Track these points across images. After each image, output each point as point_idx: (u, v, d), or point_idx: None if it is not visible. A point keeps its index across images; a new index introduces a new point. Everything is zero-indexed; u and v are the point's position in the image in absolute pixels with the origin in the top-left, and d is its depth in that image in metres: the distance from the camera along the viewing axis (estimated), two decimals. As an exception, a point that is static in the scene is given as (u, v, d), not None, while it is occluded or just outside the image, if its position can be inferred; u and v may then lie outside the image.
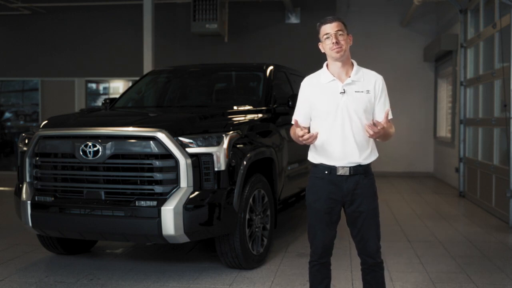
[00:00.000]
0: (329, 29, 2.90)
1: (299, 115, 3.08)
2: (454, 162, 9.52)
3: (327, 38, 2.91)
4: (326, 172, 2.96)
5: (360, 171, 2.95)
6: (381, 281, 3.08)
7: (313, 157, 3.05)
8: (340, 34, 2.89)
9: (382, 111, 2.97)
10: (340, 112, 2.91)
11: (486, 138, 7.75)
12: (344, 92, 2.92)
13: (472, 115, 8.49)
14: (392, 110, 3.03)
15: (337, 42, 2.87)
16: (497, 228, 6.28)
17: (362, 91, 2.94)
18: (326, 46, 2.93)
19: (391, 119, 2.99)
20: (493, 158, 7.17)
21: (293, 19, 11.43)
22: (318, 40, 3.00)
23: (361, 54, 12.27)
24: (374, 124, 2.86)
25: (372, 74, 3.03)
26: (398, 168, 11.98)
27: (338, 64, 2.96)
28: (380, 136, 2.85)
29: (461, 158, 8.80)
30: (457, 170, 8.97)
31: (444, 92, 11.54)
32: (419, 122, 12.08)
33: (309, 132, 2.93)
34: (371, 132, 2.79)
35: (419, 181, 11.08)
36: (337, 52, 2.89)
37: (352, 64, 3.01)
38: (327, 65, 3.03)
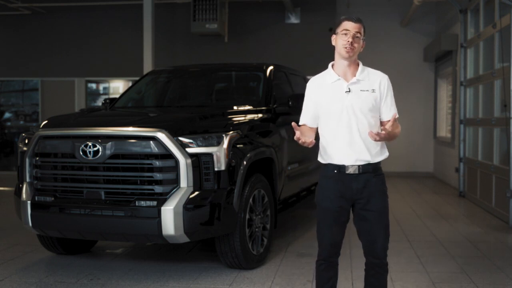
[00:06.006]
0: (349, 26, 2.90)
1: (306, 117, 3.08)
2: (454, 162, 9.51)
3: (344, 34, 2.90)
4: (335, 171, 2.95)
5: (369, 170, 2.93)
6: (383, 284, 3.05)
7: (322, 157, 3.05)
8: (357, 36, 2.90)
9: (388, 110, 2.99)
10: (345, 111, 2.91)
11: (486, 138, 7.75)
12: (349, 91, 2.93)
13: (472, 115, 8.49)
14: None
15: (352, 43, 2.87)
16: (497, 228, 6.28)
17: (368, 90, 2.94)
18: (340, 41, 2.92)
19: (397, 118, 2.99)
20: (493, 158, 7.16)
21: (293, 19, 11.42)
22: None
23: (361, 54, 12.33)
24: (381, 125, 2.86)
25: (377, 73, 3.04)
26: (398, 168, 11.97)
27: (345, 63, 2.96)
28: (385, 138, 2.85)
29: (461, 158, 8.79)
30: (457, 170, 8.97)
31: (444, 92, 11.53)
32: (419, 122, 12.08)
33: (317, 132, 2.98)
34: (377, 138, 2.79)
35: (419, 181, 11.08)
36: (347, 52, 2.89)
37: (358, 64, 3.01)
38: (332, 66, 3.02)
